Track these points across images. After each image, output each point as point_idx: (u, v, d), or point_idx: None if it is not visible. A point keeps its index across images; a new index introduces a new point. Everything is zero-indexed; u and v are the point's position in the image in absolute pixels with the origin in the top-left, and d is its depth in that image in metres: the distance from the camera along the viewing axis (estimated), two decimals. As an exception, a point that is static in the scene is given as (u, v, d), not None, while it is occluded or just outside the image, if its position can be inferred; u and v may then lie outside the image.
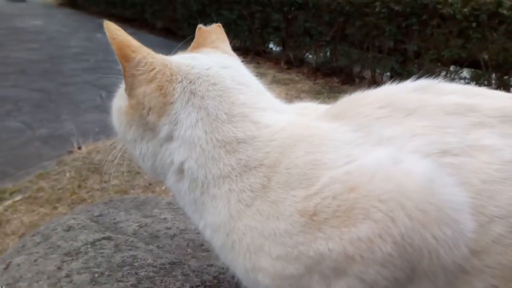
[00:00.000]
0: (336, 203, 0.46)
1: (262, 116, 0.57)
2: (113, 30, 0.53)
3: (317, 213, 0.47)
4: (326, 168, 0.49)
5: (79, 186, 2.68)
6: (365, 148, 0.50)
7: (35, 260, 0.82)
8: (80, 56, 6.07)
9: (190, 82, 0.57)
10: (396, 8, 4.19)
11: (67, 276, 0.75)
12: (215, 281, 0.77)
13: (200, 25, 0.69)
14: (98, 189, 2.65)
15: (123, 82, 0.58)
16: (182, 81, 0.56)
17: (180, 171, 0.56)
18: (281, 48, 5.82)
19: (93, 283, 0.73)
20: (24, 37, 7.26)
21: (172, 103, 0.55)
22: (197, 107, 0.55)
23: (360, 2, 4.49)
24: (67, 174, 2.80)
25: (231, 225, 0.52)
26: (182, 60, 0.60)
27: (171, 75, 0.56)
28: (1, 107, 4.01)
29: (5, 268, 0.82)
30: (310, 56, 5.55)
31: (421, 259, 0.44)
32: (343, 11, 4.64)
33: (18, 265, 0.82)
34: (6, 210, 2.46)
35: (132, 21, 8.51)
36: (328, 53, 5.30)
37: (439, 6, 3.89)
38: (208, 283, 0.76)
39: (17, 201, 2.54)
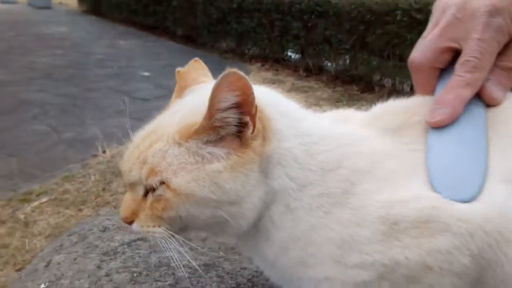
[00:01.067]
0: (418, 214, 0.47)
1: (318, 120, 0.59)
2: (246, 80, 0.48)
3: (398, 222, 0.48)
4: (408, 180, 0.51)
5: (104, 189, 2.75)
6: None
7: (75, 259, 0.85)
8: (103, 62, 6.21)
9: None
10: (418, 16, 4.17)
11: (107, 275, 0.78)
12: (249, 283, 0.79)
13: (178, 69, 0.65)
14: (122, 193, 2.71)
15: (160, 151, 0.51)
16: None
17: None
18: (300, 55, 5.85)
19: (133, 282, 0.75)
20: (50, 43, 7.47)
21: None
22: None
23: (381, 11, 4.49)
24: (92, 177, 2.87)
25: (310, 236, 0.52)
26: None
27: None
28: (28, 111, 4.13)
29: (46, 266, 0.85)
30: (329, 64, 5.56)
31: (488, 271, 0.47)
32: (364, 19, 4.64)
33: (59, 263, 0.85)
34: (33, 211, 2.53)
35: (154, 28, 8.67)
36: (348, 61, 5.30)
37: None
38: (242, 285, 0.78)
39: (44, 202, 2.61)
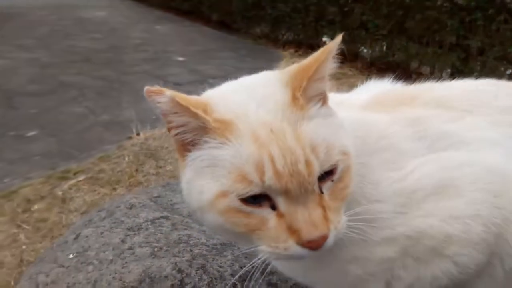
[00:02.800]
0: (434, 182, 0.48)
1: None
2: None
3: (416, 191, 0.49)
4: (408, 156, 0.52)
5: (137, 170, 2.85)
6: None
7: (102, 233, 0.90)
8: (140, 46, 6.35)
9: None
10: (460, 1, 3.99)
11: (130, 248, 0.83)
12: (263, 264, 0.81)
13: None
14: (153, 174, 2.80)
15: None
16: None
17: None
18: (335, 41, 5.74)
19: (153, 256, 0.80)
20: (89, 27, 7.70)
21: None
22: None
23: (421, -5, 4.33)
24: (126, 158, 2.98)
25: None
26: None
27: None
28: (68, 93, 4.31)
29: (75, 239, 0.91)
30: (365, 50, 5.43)
31: (498, 240, 0.48)
32: (403, 4, 4.49)
33: (87, 236, 0.91)
34: (70, 188, 2.67)
35: (189, 13, 8.73)
36: (384, 47, 5.15)
37: (508, 0, 3.66)
38: (256, 265, 0.81)
39: (80, 181, 2.75)
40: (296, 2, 5.78)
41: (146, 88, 0.47)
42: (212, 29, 7.64)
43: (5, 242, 2.24)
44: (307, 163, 0.45)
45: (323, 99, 0.52)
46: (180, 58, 5.73)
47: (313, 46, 5.88)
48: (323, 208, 0.46)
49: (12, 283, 1.93)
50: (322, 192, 0.47)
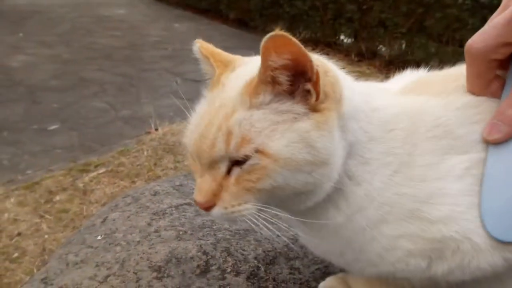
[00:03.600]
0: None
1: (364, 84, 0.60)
2: (293, 40, 0.45)
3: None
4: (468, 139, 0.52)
5: (155, 164, 2.89)
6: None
7: (128, 217, 0.93)
8: (159, 44, 6.42)
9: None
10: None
11: (156, 231, 0.85)
12: (285, 248, 0.83)
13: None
14: (171, 168, 2.84)
15: (245, 117, 0.48)
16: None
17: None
18: (353, 39, 5.72)
19: (178, 239, 0.82)
20: (109, 25, 7.81)
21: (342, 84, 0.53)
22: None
23: (442, -7, 4.28)
24: (145, 153, 3.03)
25: (384, 194, 0.52)
26: None
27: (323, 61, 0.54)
28: (89, 88, 4.39)
29: (102, 222, 0.94)
30: (384, 49, 5.39)
31: None
32: (423, 2, 4.45)
33: (114, 220, 0.93)
34: (91, 180, 2.73)
35: (207, 12, 8.79)
36: (403, 46, 5.11)
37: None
38: (278, 250, 0.82)
39: (101, 173, 2.80)
40: (314, 0, 5.77)
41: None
42: (230, 27, 7.68)
43: (28, 232, 2.30)
44: (212, 143, 0.47)
45: (283, 95, 0.48)
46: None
47: (330, 44, 5.87)
48: (220, 185, 0.48)
49: (35, 270, 1.99)
50: (229, 174, 0.49)
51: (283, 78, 0.48)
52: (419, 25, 4.67)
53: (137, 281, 0.71)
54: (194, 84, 4.70)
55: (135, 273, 0.73)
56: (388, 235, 0.52)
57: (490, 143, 0.50)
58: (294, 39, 0.45)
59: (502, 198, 0.49)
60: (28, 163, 2.96)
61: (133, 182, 2.69)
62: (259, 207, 0.49)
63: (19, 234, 2.28)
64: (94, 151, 3.15)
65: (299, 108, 0.48)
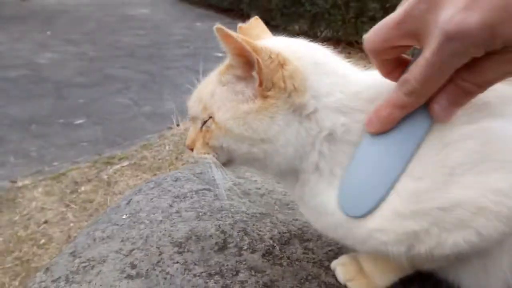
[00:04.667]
0: (474, 157, 0.49)
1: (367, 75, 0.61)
2: (230, 32, 0.53)
3: (455, 167, 0.50)
4: (455, 123, 0.51)
5: (176, 158, 2.96)
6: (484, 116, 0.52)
7: (151, 199, 0.98)
8: (181, 43, 6.53)
9: (311, 54, 0.60)
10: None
11: (177, 212, 0.90)
12: (300, 231, 0.86)
13: (240, 24, 0.69)
14: (192, 162, 2.90)
15: (212, 91, 0.60)
16: (302, 56, 0.58)
17: (331, 137, 0.57)
18: (375, 38, 5.67)
19: (198, 219, 0.86)
20: (133, 24, 7.99)
21: (306, 77, 0.56)
22: (326, 73, 0.57)
23: None
24: (167, 147, 3.11)
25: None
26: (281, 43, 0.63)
27: (295, 53, 0.58)
28: (113, 85, 4.52)
29: (127, 203, 0.99)
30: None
31: None
32: None
33: (138, 201, 0.99)
34: (115, 173, 2.81)
35: (229, 11, 8.87)
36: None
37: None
38: (293, 232, 0.85)
39: (124, 166, 2.89)
40: (336, -2, 5.76)
41: None
42: (251, 26, 7.74)
43: (55, 220, 2.40)
44: (193, 105, 0.63)
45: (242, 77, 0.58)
46: (219, 54, 5.79)
47: (352, 43, 5.84)
48: (196, 135, 0.63)
49: (61, 256, 2.07)
50: (201, 129, 0.62)
51: (237, 63, 0.57)
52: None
53: (159, 255, 0.76)
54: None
55: (158, 248, 0.78)
56: (367, 228, 0.54)
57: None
58: (229, 32, 0.53)
59: (359, 179, 0.54)
60: (55, 155, 3.08)
61: (155, 175, 2.76)
62: (215, 160, 0.61)
63: (46, 221, 2.38)
64: (118, 144, 3.24)
65: (248, 91, 0.57)
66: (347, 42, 5.86)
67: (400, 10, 0.48)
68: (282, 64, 0.55)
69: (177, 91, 4.33)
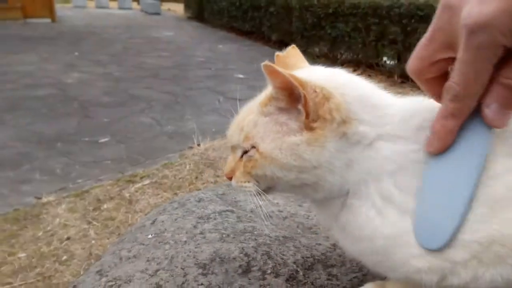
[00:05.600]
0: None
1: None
2: (277, 68, 0.54)
3: (499, 201, 0.49)
4: (500, 155, 0.51)
5: (196, 178, 2.99)
6: None
7: (175, 219, 0.99)
8: (203, 64, 6.67)
9: (354, 87, 0.61)
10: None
11: (201, 233, 0.91)
12: (323, 256, 0.86)
13: (277, 53, 0.70)
14: (212, 182, 2.93)
15: (254, 122, 0.61)
16: (346, 92, 0.59)
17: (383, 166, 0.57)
18: (396, 61, 5.68)
19: (222, 240, 0.87)
20: (158, 46, 8.22)
21: (351, 109, 0.57)
22: (371, 105, 0.59)
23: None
24: (187, 166, 3.14)
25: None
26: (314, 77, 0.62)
27: (338, 87, 0.59)
28: (137, 105, 4.62)
29: (152, 223, 1.01)
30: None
31: None
32: (469, 24, 4.38)
33: (162, 221, 1.00)
34: (136, 191, 2.86)
35: (250, 34, 9.04)
36: (449, 68, 5.00)
37: None
38: (317, 257, 0.85)
39: (146, 184, 2.93)
40: (357, 21, 5.80)
41: None
42: (272, 48, 7.85)
43: (77, 236, 2.44)
44: (233, 134, 0.63)
45: (283, 108, 0.59)
46: (240, 75, 5.94)
47: (372, 65, 5.86)
48: (236, 164, 0.63)
49: (82, 273, 2.10)
50: (241, 158, 0.63)
51: (282, 96, 0.57)
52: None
53: (184, 276, 0.77)
54: (235, 102, 4.81)
55: (183, 269, 0.78)
56: (400, 257, 0.54)
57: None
58: (277, 69, 0.54)
59: (432, 207, 0.51)
60: (79, 172, 3.15)
61: (176, 194, 2.79)
62: (257, 188, 0.62)
63: (68, 238, 2.42)
64: (140, 163, 3.30)
65: (293, 123, 0.57)
66: (368, 65, 5.88)
67: (429, 27, 0.50)
68: (327, 98, 0.56)
69: (199, 112, 4.41)
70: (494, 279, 0.50)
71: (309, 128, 0.56)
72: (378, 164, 0.56)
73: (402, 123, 0.57)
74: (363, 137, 0.56)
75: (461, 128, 0.50)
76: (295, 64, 0.70)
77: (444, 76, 0.51)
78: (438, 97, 0.52)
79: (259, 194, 0.62)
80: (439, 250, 0.51)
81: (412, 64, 0.52)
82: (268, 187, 0.62)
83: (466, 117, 0.49)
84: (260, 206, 0.62)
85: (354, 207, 0.59)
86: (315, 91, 0.55)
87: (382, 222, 0.55)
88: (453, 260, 0.51)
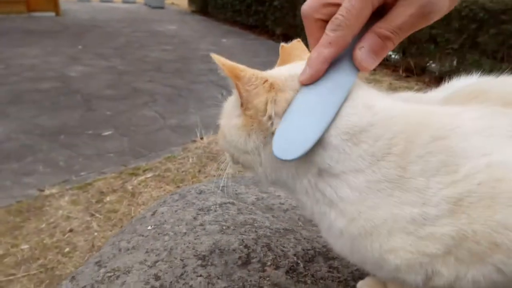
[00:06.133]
0: (482, 189, 0.47)
1: (374, 101, 0.57)
2: (220, 59, 0.58)
3: (463, 198, 0.48)
4: (463, 157, 0.49)
5: (199, 171, 2.99)
6: (497, 140, 0.50)
7: (176, 211, 0.99)
8: (207, 58, 6.53)
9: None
10: (541, 14, 3.77)
11: (201, 225, 0.90)
12: (324, 249, 0.85)
13: (282, 44, 0.71)
14: (214, 175, 2.92)
15: (228, 102, 0.65)
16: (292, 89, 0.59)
17: (320, 171, 0.56)
18: (401, 55, 5.63)
19: (222, 232, 0.86)
20: (161, 39, 8.19)
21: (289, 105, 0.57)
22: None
23: (497, 9, 4.14)
24: (190, 160, 3.14)
25: (374, 211, 0.52)
26: (284, 72, 0.63)
27: (283, 85, 0.58)
28: (140, 98, 4.61)
29: (152, 214, 1.00)
30: (433, 65, 5.26)
31: None
32: (476, 17, 4.32)
33: (162, 213, 0.99)
34: (139, 184, 2.86)
35: (254, 27, 8.99)
36: (455, 62, 4.96)
37: None
38: (318, 249, 0.84)
39: (148, 177, 2.93)
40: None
41: None
42: (276, 42, 7.79)
43: (80, 228, 2.45)
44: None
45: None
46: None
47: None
48: None
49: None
50: None
51: (232, 83, 0.59)
52: (472, 41, 4.53)
53: (183, 267, 0.76)
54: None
55: (182, 260, 0.78)
56: (377, 248, 0.52)
57: (302, 85, 0.56)
58: (220, 60, 0.57)
59: (293, 125, 0.54)
60: (82, 165, 3.15)
61: (178, 187, 2.78)
62: (230, 159, 0.65)
63: (71, 230, 2.42)
64: (143, 156, 3.30)
65: (237, 110, 0.60)
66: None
67: None
68: (268, 90, 0.57)
69: (202, 105, 4.39)
70: (476, 279, 0.48)
71: (243, 115, 0.59)
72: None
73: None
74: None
75: (332, 69, 0.55)
76: (299, 56, 0.69)
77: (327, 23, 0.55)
78: (316, 41, 0.56)
79: (231, 163, 0.66)
80: (291, 160, 0.53)
81: (306, 4, 0.57)
82: (234, 160, 0.65)
83: (341, 50, 0.54)
84: (227, 174, 0.68)
85: (302, 203, 0.60)
86: (253, 83, 0.57)
87: (335, 216, 0.55)
88: (428, 253, 0.49)
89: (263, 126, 0.57)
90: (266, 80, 0.57)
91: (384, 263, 0.53)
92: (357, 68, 0.55)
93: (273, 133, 0.56)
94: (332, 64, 0.55)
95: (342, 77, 0.55)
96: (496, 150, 0.49)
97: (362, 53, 0.54)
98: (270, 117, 0.56)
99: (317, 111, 0.54)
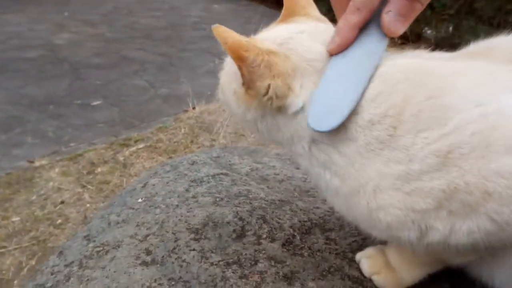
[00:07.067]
0: (475, 139, 0.46)
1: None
2: (222, 33, 0.55)
3: (453, 150, 0.47)
4: (455, 110, 0.48)
5: (192, 141, 2.94)
6: (494, 92, 0.49)
7: (167, 183, 0.95)
8: (198, 25, 6.46)
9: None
10: (540, -22, 3.68)
11: (194, 197, 0.87)
12: (321, 220, 0.82)
13: None
14: (207, 146, 2.88)
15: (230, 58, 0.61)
16: (301, 71, 0.57)
17: (313, 140, 0.57)
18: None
19: (215, 204, 0.83)
20: (150, 5, 7.91)
21: (293, 90, 0.56)
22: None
23: (495, -28, 4.03)
24: (182, 130, 3.09)
25: (361, 172, 0.52)
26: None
27: (292, 70, 0.56)
28: (130, 67, 4.49)
29: (143, 186, 0.97)
30: (429, 31, 5.17)
31: None
32: (473, -18, 4.21)
33: (153, 185, 0.96)
34: (131, 154, 2.81)
35: (247, -8, 8.74)
36: (451, 29, 4.87)
37: None
38: (314, 221, 0.82)
39: (140, 148, 2.88)
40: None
41: None
42: (269, 8, 7.59)
43: (71, 200, 2.42)
44: None
45: None
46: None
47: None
48: None
49: (78, 236, 2.09)
50: None
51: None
52: (468, 7, 4.43)
53: (175, 241, 0.73)
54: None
55: (174, 234, 0.75)
56: (365, 206, 0.53)
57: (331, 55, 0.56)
58: (222, 32, 0.55)
59: (327, 96, 0.54)
60: (71, 136, 3.09)
61: (170, 157, 2.74)
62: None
63: (62, 202, 2.39)
64: (134, 127, 3.24)
65: (238, 76, 0.58)
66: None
67: None
68: (269, 68, 0.56)
69: (194, 74, 4.29)
70: (472, 230, 0.48)
71: (247, 92, 0.59)
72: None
73: None
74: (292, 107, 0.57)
75: (361, 37, 0.55)
76: (304, 6, 0.67)
77: None
78: (343, 12, 0.55)
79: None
80: (329, 131, 0.52)
81: None
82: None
83: (368, 16, 0.53)
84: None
85: (298, 163, 0.62)
86: (258, 64, 0.54)
87: (330, 178, 0.57)
88: (418, 209, 0.49)
89: (263, 104, 0.58)
90: (272, 65, 0.55)
91: (376, 221, 0.53)
92: (385, 34, 0.54)
93: (272, 110, 0.58)
94: (361, 32, 0.55)
95: (372, 44, 0.54)
96: (492, 100, 0.48)
97: (389, 17, 0.53)
98: (271, 98, 0.56)
99: (349, 80, 0.53)
